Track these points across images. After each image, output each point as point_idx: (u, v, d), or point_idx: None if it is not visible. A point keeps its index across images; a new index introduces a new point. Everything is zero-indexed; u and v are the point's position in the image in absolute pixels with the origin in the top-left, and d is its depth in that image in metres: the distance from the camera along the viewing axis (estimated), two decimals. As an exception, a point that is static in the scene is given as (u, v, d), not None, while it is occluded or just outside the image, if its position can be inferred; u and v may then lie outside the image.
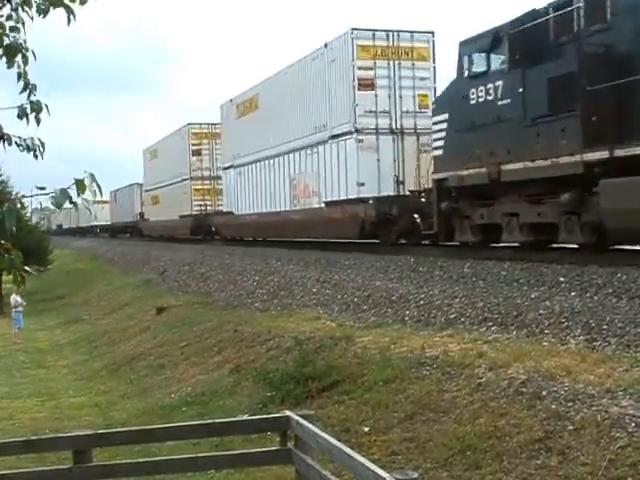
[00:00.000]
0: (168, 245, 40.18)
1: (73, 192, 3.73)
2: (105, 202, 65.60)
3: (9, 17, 4.02)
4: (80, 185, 3.64)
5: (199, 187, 40.23)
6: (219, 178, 36.98)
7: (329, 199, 23.35)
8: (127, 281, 30.39)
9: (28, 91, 4.04)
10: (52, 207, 3.75)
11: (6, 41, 3.99)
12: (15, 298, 24.74)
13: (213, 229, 37.87)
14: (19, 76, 4.03)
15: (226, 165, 34.20)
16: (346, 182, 21.88)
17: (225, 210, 34.92)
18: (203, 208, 39.83)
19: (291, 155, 26.18)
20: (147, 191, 51.85)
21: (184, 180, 41.01)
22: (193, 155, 40.27)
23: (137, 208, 56.29)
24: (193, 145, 40.36)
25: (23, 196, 4.03)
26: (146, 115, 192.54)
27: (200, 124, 40.46)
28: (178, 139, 42.10)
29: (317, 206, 24.24)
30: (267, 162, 28.64)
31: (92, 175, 3.68)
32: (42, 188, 3.82)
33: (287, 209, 26.71)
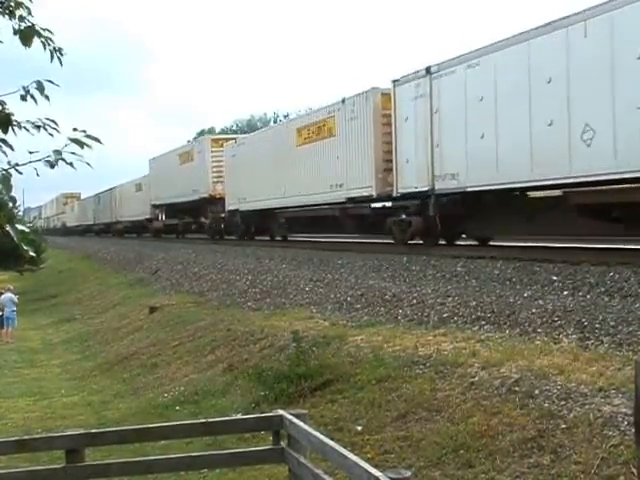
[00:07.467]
0: (161, 244, 40.08)
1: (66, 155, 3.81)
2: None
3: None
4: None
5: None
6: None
7: None
8: (120, 280, 30.33)
9: (56, 57, 4.24)
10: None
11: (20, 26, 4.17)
12: (8, 297, 24.64)
13: None
14: (44, 45, 4.20)
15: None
16: None
17: None
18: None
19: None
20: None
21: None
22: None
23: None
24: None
25: (16, 164, 3.92)
26: (125, 113, 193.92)
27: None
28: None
29: None
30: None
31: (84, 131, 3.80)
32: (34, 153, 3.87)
33: None
